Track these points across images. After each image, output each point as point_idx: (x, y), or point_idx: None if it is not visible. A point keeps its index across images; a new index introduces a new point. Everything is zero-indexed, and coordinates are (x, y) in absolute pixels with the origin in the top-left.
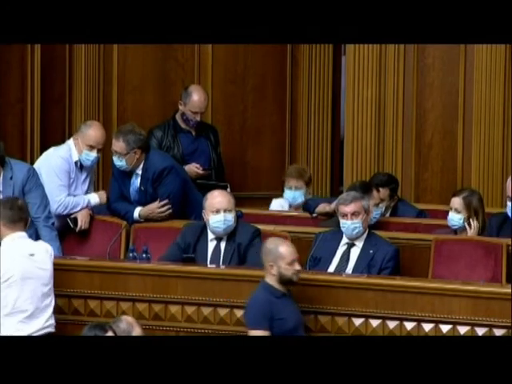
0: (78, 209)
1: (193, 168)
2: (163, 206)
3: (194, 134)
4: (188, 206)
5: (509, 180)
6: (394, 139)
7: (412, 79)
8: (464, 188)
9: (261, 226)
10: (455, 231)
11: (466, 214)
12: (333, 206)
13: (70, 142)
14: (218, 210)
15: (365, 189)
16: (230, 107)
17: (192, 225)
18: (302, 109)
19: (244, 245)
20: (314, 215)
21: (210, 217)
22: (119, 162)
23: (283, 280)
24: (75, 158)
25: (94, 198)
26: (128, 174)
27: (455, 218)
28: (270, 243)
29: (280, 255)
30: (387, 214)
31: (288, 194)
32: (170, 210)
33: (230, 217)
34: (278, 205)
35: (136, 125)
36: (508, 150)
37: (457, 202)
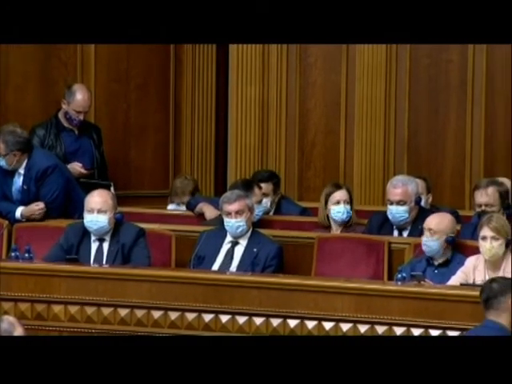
0: None
1: (76, 167)
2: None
3: (76, 132)
4: (71, 205)
5: (389, 183)
6: (278, 138)
7: (295, 78)
8: (333, 183)
9: (145, 225)
10: (329, 227)
11: (350, 204)
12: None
13: None
14: (92, 210)
15: (246, 186)
16: (113, 106)
17: (75, 225)
18: (186, 107)
19: (128, 245)
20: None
21: (85, 215)
22: None
23: None
24: None
25: None
26: (10, 173)
27: (348, 209)
28: None
29: None
30: (272, 211)
31: None
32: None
33: (103, 218)
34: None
35: (18, 125)
36: (389, 149)
37: (343, 194)
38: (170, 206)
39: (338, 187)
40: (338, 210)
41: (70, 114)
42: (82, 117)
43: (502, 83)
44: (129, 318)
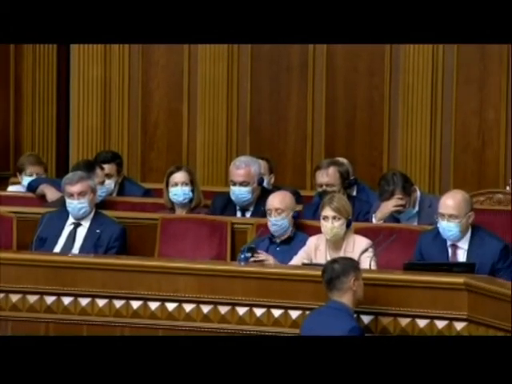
0: None
1: None
2: None
3: None
4: None
5: (232, 165)
6: (121, 119)
7: (137, 58)
8: (176, 165)
9: None
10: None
11: (192, 185)
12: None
13: None
14: None
15: (89, 167)
16: None
17: None
18: (27, 87)
19: None
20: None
21: None
22: None
23: None
24: None
25: None
26: None
27: (186, 191)
28: None
29: None
30: (115, 192)
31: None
32: None
33: None
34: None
35: None
36: (232, 130)
37: (181, 176)
38: (11, 188)
39: (178, 169)
40: (175, 193)
41: None
42: None
43: (342, 64)
44: None
